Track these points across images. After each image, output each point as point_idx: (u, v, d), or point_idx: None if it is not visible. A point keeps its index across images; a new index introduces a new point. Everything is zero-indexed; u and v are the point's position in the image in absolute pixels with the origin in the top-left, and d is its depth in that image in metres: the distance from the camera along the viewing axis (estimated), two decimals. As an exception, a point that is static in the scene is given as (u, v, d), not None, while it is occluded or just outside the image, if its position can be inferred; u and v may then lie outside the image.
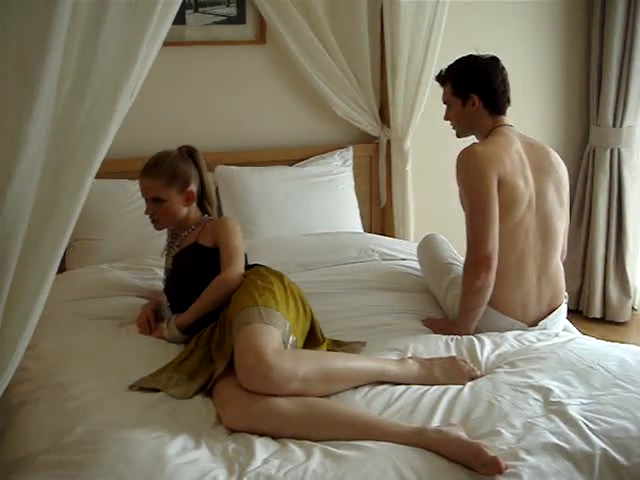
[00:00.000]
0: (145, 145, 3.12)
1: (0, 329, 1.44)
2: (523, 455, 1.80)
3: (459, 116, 2.79)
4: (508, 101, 2.77)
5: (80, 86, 1.45)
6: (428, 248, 3.08)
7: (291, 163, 3.83)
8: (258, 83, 3.83)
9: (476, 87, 2.72)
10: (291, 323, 2.28)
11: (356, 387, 2.15)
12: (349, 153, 3.96)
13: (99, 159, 1.52)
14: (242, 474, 1.75)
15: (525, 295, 2.70)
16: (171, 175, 2.60)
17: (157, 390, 2.16)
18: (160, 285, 2.80)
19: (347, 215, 3.81)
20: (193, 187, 2.66)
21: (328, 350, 2.40)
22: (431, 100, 3.66)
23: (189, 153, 2.69)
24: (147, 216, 2.67)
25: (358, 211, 3.87)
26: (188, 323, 2.51)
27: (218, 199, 3.37)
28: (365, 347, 2.44)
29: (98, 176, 1.53)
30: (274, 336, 2.15)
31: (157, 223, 2.67)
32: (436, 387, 2.16)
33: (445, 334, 2.57)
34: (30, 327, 1.52)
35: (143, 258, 3.17)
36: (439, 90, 2.86)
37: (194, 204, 2.69)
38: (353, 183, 3.91)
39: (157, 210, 2.63)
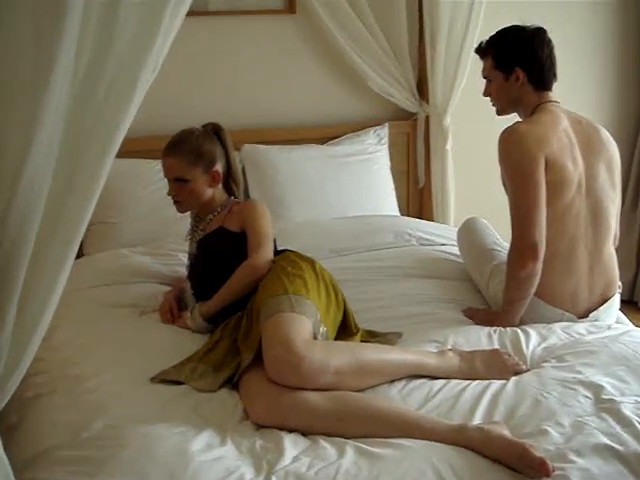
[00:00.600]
0: (167, 123, 3.13)
1: (16, 317, 1.45)
2: (572, 457, 1.78)
3: (501, 92, 2.76)
4: (554, 76, 2.74)
5: (98, 62, 1.44)
6: (469, 233, 3.07)
7: (323, 141, 3.85)
8: (287, 56, 3.83)
9: (521, 60, 2.69)
10: (322, 312, 2.28)
11: (392, 381, 2.15)
12: (385, 130, 3.96)
13: (119, 139, 1.51)
14: (270, 472, 1.75)
15: (575, 284, 2.68)
16: (195, 154, 2.61)
17: (180, 383, 2.17)
18: (183, 271, 2.82)
19: (382, 197, 3.81)
20: (219, 167, 2.67)
21: (362, 341, 2.40)
22: (473, 73, 3.63)
23: (214, 131, 2.70)
24: (169, 198, 2.68)
25: (394, 193, 3.88)
26: (213, 312, 2.53)
27: (245, 180, 3.37)
28: (401, 338, 2.44)
29: (117, 155, 1.53)
30: (305, 326, 2.15)
31: (180, 205, 2.69)
32: (478, 382, 2.15)
33: (487, 325, 2.57)
34: (47, 316, 1.53)
35: (165, 242, 3.19)
36: (482, 63, 2.84)
37: (219, 185, 2.70)
38: (389, 163, 3.92)
39: (180, 191, 2.64)
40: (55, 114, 1.37)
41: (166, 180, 2.67)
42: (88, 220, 1.51)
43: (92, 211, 1.50)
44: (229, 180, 2.75)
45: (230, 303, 2.51)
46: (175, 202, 2.68)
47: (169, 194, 2.67)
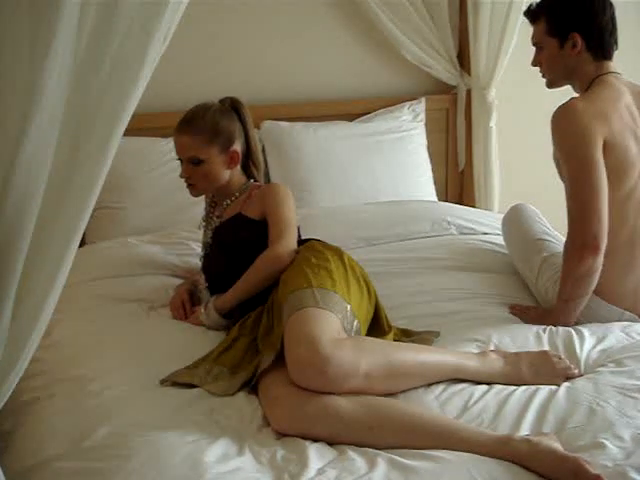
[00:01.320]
0: (180, 97, 3.15)
1: (13, 312, 1.46)
2: (633, 474, 1.74)
3: (553, 61, 2.73)
4: (616, 43, 2.70)
5: (104, 28, 1.44)
6: (516, 221, 3.06)
7: (352, 118, 3.86)
8: (311, 21, 3.83)
9: (578, 24, 2.66)
10: (355, 306, 2.29)
11: (428, 385, 2.15)
12: (421, 106, 3.96)
13: (127, 115, 1.51)
14: (292, 486, 1.74)
15: (637, 280, 2.66)
16: (212, 131, 2.61)
17: (193, 386, 2.17)
18: (197, 262, 2.83)
19: (418, 180, 3.82)
20: (237, 146, 2.67)
21: (395, 341, 2.40)
22: (521, 40, 3.60)
23: (233, 106, 2.70)
24: (182, 180, 2.68)
25: (431, 175, 3.89)
26: (230, 306, 2.54)
27: (265, 161, 3.39)
28: (439, 338, 2.44)
29: (124, 133, 1.53)
30: (332, 322, 2.15)
31: (194, 188, 2.68)
32: (525, 387, 2.15)
33: (536, 324, 2.56)
34: (47, 310, 1.53)
35: (177, 230, 3.19)
36: (531, 28, 2.81)
37: (238, 167, 2.70)
38: (425, 142, 3.92)
39: (194, 173, 2.63)
40: (57, 86, 1.37)
41: (178, 160, 2.67)
42: (93, 204, 1.52)
43: (97, 195, 1.51)
44: (248, 161, 2.76)
45: (249, 297, 2.52)
46: (188, 185, 2.68)
47: (182, 176, 2.66)
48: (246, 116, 2.71)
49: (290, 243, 2.54)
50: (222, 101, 2.71)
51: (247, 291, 2.53)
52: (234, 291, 2.54)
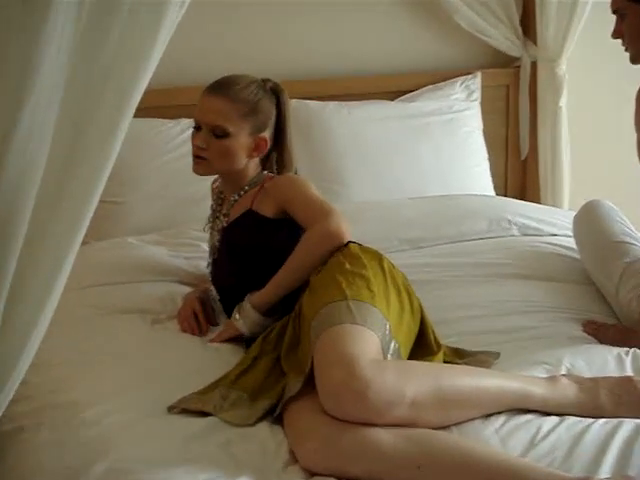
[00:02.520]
0: (192, 71, 3.22)
1: (2, 323, 1.47)
2: None
3: (637, 31, 2.72)
4: None
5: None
6: (591, 220, 3.06)
7: (393, 97, 3.90)
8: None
9: None
10: (393, 323, 2.27)
11: (487, 416, 2.13)
12: (476, 82, 3.98)
13: (138, 93, 1.52)
14: (324, 536, 1.77)
15: None
16: (252, 107, 2.64)
17: (207, 414, 2.16)
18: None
19: (472, 171, 3.86)
20: (267, 135, 2.70)
21: (446, 362, 2.40)
22: (598, 5, 3.58)
23: (274, 91, 2.73)
24: (192, 172, 2.70)
25: (488, 165, 3.90)
26: (272, 299, 2.54)
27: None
28: (498, 360, 2.43)
29: (129, 113, 1.56)
30: (371, 341, 2.15)
31: (203, 164, 2.67)
32: (604, 420, 2.12)
33: (617, 345, 2.54)
34: (42, 323, 1.56)
35: (186, 229, 3.20)
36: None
37: (257, 159, 2.73)
38: (481, 125, 3.95)
39: (213, 145, 2.63)
40: (56, 57, 1.37)
41: (195, 129, 2.66)
42: (98, 198, 1.53)
43: (102, 187, 1.52)
44: (270, 156, 2.77)
45: (294, 286, 2.51)
46: (197, 157, 2.67)
47: (195, 144, 2.66)
48: (286, 105, 2.74)
49: (341, 220, 2.52)
50: (264, 81, 2.73)
51: (292, 279, 2.52)
52: (275, 280, 2.54)
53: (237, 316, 2.57)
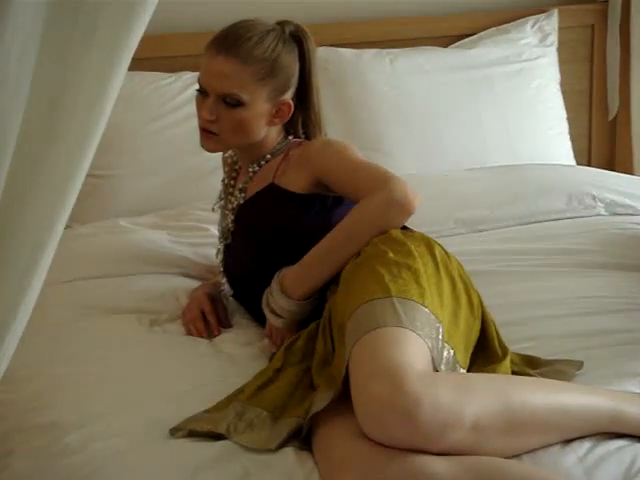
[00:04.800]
0: (195, 13, 3.15)
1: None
2: None
3: None
4: None
5: None
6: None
7: (447, 42, 3.81)
8: None
9: None
10: (447, 326, 2.14)
11: (567, 442, 1.98)
12: (552, 22, 3.87)
13: (133, 41, 1.45)
14: None
15: None
16: (269, 66, 2.44)
17: (219, 437, 2.02)
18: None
19: (547, 134, 3.79)
20: (289, 95, 2.50)
21: (513, 373, 2.23)
22: None
23: (295, 37, 2.52)
24: (196, 136, 2.52)
25: (567, 127, 3.86)
26: (311, 286, 2.35)
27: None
28: (582, 370, 2.27)
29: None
30: (419, 349, 2.02)
31: (213, 139, 2.49)
32: None
33: None
34: (17, 326, 1.58)
35: (189, 208, 3.14)
36: None
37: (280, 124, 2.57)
38: (558, 76, 3.87)
39: (224, 116, 2.44)
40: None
41: (199, 92, 2.48)
42: (85, 169, 1.50)
43: (91, 158, 1.48)
44: (295, 119, 2.58)
45: (339, 268, 2.30)
46: (205, 131, 2.48)
47: (201, 116, 2.46)
48: (312, 55, 2.54)
49: (403, 185, 2.30)
50: (282, 25, 2.52)
51: (336, 259, 2.31)
52: (321, 247, 2.34)
53: (267, 310, 2.39)
